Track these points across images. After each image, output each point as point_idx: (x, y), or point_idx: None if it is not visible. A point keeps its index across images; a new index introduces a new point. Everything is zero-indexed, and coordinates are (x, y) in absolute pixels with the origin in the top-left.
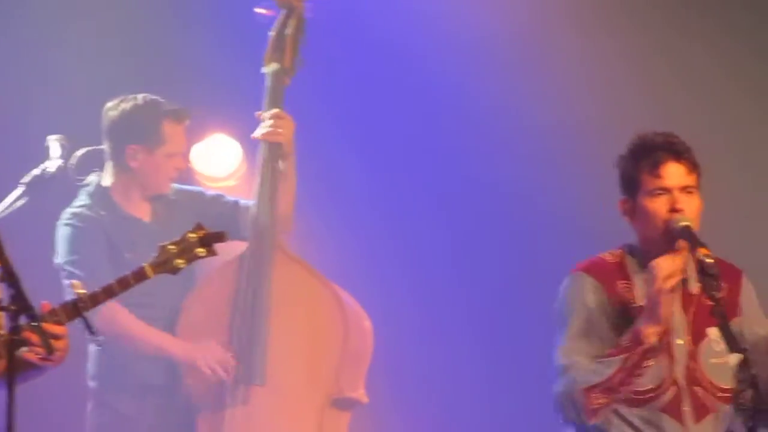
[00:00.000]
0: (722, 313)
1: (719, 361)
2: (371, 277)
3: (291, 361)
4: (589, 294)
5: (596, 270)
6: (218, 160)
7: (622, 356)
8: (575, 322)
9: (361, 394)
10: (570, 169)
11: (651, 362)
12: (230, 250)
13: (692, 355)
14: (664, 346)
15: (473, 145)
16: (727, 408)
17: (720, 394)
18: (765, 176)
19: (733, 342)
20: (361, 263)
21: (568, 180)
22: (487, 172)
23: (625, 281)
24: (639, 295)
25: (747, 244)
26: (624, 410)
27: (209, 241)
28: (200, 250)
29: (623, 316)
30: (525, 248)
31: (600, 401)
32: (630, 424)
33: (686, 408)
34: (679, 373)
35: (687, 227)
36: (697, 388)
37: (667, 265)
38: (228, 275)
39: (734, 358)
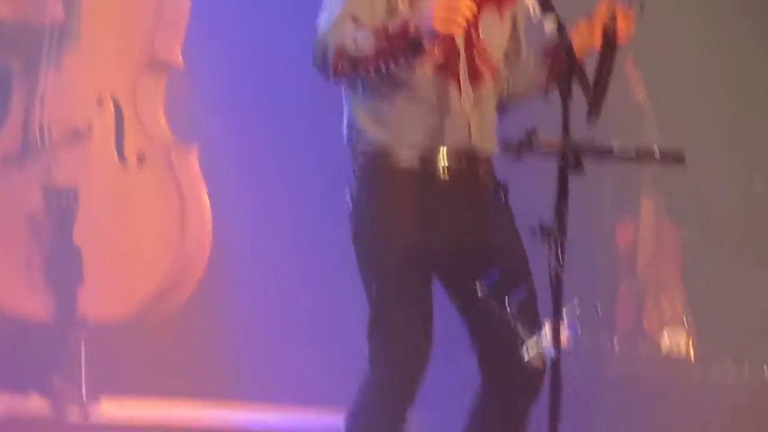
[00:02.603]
0: None
1: (496, 30)
2: None
3: (105, 22)
4: None
5: None
6: None
7: (380, 37)
8: None
9: (176, 58)
10: None
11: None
12: None
13: (473, 23)
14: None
15: None
16: (495, 80)
17: (494, 62)
18: None
19: (548, 6)
20: None
21: None
22: None
23: None
24: None
25: None
26: (398, 70)
27: None
28: None
29: None
30: None
31: (346, 69)
32: (400, 84)
33: (462, 70)
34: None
35: None
36: (473, 51)
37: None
38: None
39: (550, 24)
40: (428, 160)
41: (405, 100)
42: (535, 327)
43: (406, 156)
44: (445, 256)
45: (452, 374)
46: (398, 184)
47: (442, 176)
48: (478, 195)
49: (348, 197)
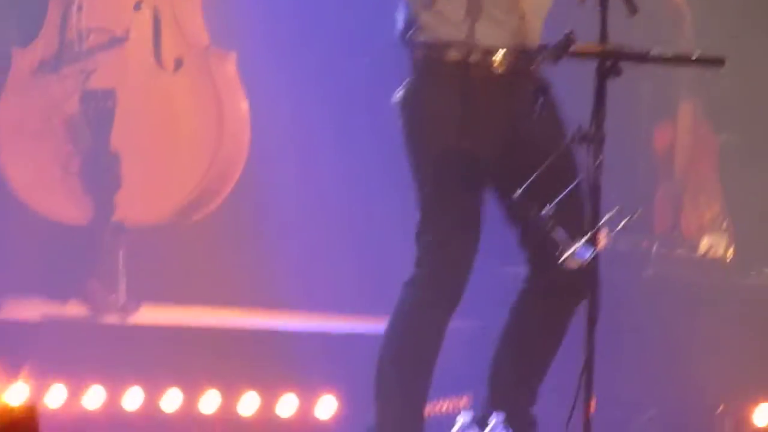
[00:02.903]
0: None
1: None
2: None
3: None
4: None
5: None
6: None
7: None
8: None
9: None
10: None
11: None
12: None
13: None
14: None
15: None
16: None
17: None
18: None
19: None
20: None
21: None
22: None
23: None
24: None
25: None
26: None
27: None
28: None
29: None
30: None
31: None
32: None
33: None
34: None
35: None
36: None
37: None
38: None
39: None
40: (484, 54)
41: None
42: (579, 229)
43: (462, 49)
44: (497, 157)
45: (491, 282)
46: (454, 78)
47: (497, 70)
48: (528, 92)
49: (401, 94)
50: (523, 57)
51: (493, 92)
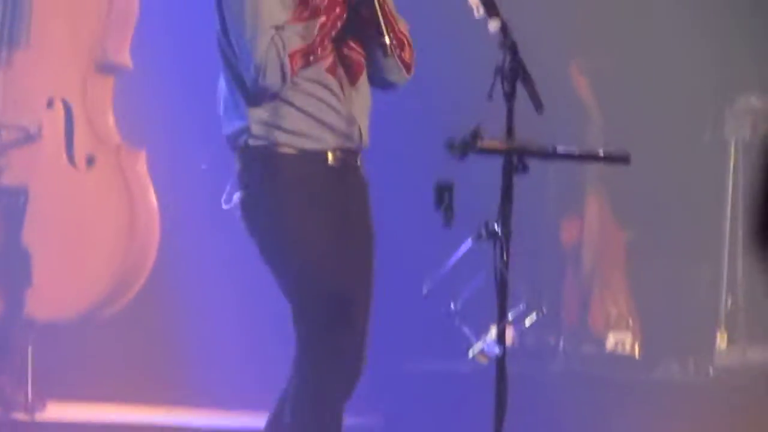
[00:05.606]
0: None
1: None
2: None
3: (55, 21)
4: None
5: None
6: None
7: (320, 20)
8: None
9: (125, 59)
10: None
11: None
12: None
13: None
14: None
15: None
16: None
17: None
18: None
19: (492, 6)
20: None
21: None
22: None
23: None
24: None
25: None
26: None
27: None
28: None
29: None
30: None
31: (300, 64)
32: (304, 90)
33: (341, 70)
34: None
35: None
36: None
37: None
38: None
39: (494, 24)
40: (319, 155)
41: (296, 95)
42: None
43: (313, 153)
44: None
45: (393, 376)
46: (296, 173)
47: (334, 170)
48: (361, 190)
49: (236, 198)
50: (351, 155)
51: (337, 187)
